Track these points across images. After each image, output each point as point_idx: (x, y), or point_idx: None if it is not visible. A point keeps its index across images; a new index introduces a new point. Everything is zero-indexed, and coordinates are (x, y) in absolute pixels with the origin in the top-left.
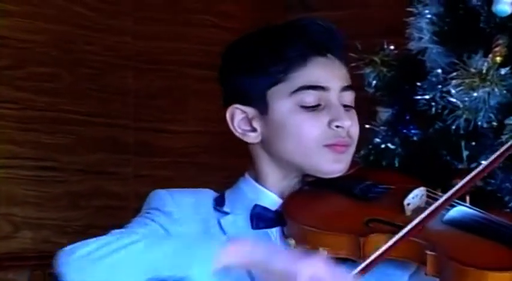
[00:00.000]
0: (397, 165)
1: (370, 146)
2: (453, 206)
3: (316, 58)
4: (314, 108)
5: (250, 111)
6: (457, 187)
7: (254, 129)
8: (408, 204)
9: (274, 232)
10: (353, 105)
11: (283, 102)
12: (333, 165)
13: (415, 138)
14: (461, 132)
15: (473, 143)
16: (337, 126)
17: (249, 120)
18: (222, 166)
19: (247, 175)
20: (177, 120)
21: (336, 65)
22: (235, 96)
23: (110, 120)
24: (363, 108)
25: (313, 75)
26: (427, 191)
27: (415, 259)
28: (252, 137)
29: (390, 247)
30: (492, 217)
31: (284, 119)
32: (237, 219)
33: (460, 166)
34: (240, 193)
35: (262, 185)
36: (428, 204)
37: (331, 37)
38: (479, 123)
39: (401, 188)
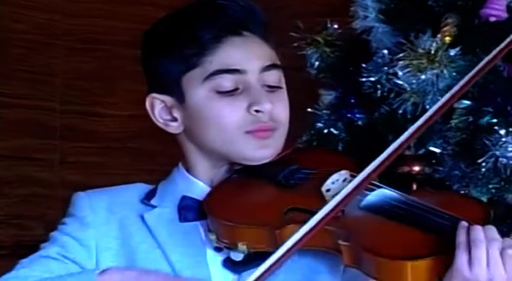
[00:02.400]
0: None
1: (312, 132)
2: (372, 189)
3: (231, 38)
4: (231, 93)
5: (168, 100)
6: (369, 168)
7: (175, 119)
8: (328, 190)
9: (206, 225)
10: (281, 85)
11: (198, 89)
12: (258, 152)
13: (359, 122)
14: (409, 116)
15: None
16: (257, 111)
17: (169, 110)
18: (157, 152)
19: (180, 165)
20: (108, 103)
21: (255, 44)
22: (154, 84)
23: (36, 103)
24: (305, 91)
25: (228, 58)
26: (351, 175)
27: (331, 250)
28: (174, 127)
29: (297, 241)
30: (414, 200)
31: (201, 107)
32: (164, 212)
33: (407, 152)
34: (173, 183)
35: (193, 175)
36: None
37: (248, 14)
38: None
39: (324, 173)
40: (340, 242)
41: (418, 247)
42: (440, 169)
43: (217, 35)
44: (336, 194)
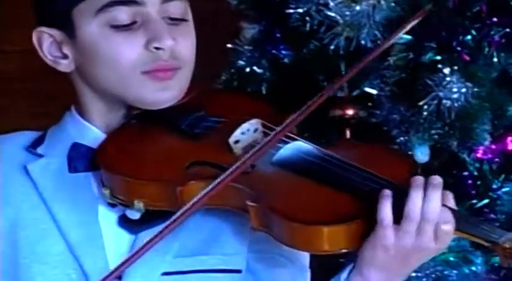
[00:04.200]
0: (264, 92)
1: (233, 70)
2: (287, 142)
3: None
4: (128, 27)
5: (57, 34)
6: (289, 119)
7: (65, 56)
8: (237, 141)
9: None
10: (186, 17)
11: (90, 23)
12: (158, 94)
13: (286, 60)
14: (341, 52)
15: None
16: (157, 48)
17: (59, 45)
18: (56, 93)
19: (73, 108)
20: (1, 39)
21: None
22: (41, 16)
23: None
24: (223, 24)
25: None
26: (264, 124)
27: (239, 210)
28: (64, 65)
29: (199, 199)
30: (332, 156)
31: (94, 43)
32: (51, 162)
33: (339, 94)
34: (63, 129)
35: (86, 120)
36: None
37: None
38: (363, 42)
39: (234, 121)
40: (248, 202)
41: (336, 210)
42: (377, 112)
43: None
44: (246, 146)
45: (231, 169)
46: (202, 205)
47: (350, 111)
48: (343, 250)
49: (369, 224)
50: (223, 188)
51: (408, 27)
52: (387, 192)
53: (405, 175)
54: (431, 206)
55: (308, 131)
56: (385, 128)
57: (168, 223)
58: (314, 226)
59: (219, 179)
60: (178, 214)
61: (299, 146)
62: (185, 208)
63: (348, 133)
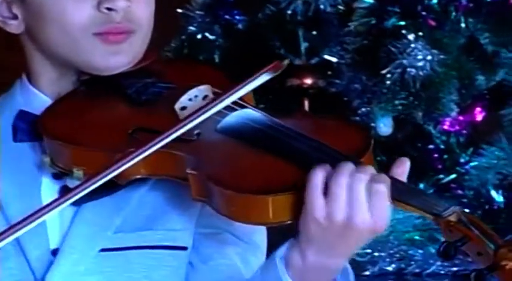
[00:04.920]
0: (217, 60)
1: (183, 37)
2: (234, 109)
3: None
4: None
5: None
6: (235, 86)
7: (15, 16)
8: (183, 108)
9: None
10: None
11: None
12: (109, 59)
13: (240, 26)
14: (299, 18)
15: (314, 33)
16: (109, 9)
17: (9, 5)
18: (8, 64)
19: (23, 76)
20: None
21: None
22: None
23: None
24: None
25: None
26: (214, 92)
27: (180, 179)
28: (14, 26)
29: (132, 163)
30: (280, 124)
31: (43, 3)
32: None
33: (297, 62)
34: (12, 97)
35: (36, 87)
36: None
37: None
38: (322, 6)
39: (183, 88)
40: (188, 170)
41: (280, 179)
42: (337, 81)
43: None
44: (191, 113)
45: (167, 134)
46: (143, 174)
47: (308, 81)
48: (288, 222)
49: None
50: (163, 155)
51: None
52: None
53: (357, 147)
54: (362, 167)
55: (264, 102)
56: (346, 99)
57: (98, 177)
58: (256, 195)
59: (151, 145)
60: (108, 173)
61: (247, 113)
62: (119, 170)
63: (306, 104)
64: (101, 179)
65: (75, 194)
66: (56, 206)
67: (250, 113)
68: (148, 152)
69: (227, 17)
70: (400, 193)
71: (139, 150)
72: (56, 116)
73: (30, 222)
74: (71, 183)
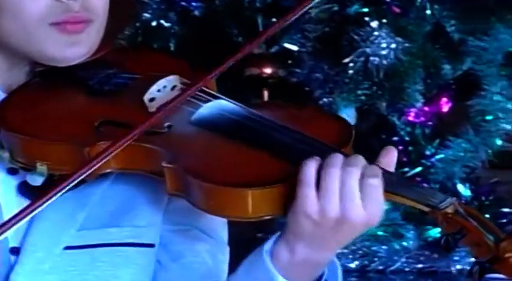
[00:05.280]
0: (173, 48)
1: (138, 24)
2: (207, 100)
3: None
4: None
5: None
6: (205, 75)
7: None
8: (152, 99)
9: None
10: None
11: None
12: (67, 50)
13: (196, 12)
14: (257, 5)
15: (274, 20)
16: None
17: None
18: None
19: None
20: None
21: None
22: None
23: None
24: None
25: None
26: (183, 82)
27: (155, 174)
28: None
29: (101, 159)
30: (257, 114)
31: None
32: None
33: (256, 51)
34: None
35: None
36: None
37: None
38: None
39: (149, 78)
40: (163, 164)
41: (261, 172)
42: (298, 70)
43: None
44: (162, 105)
45: (140, 128)
46: (114, 169)
47: (268, 70)
48: (267, 217)
49: (295, 188)
50: (135, 148)
51: None
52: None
53: (339, 138)
54: (352, 160)
55: (221, 92)
56: (307, 89)
57: (65, 183)
58: (236, 189)
59: (124, 139)
60: (78, 174)
61: (222, 104)
62: (87, 168)
63: (265, 94)
64: (79, 176)
65: (50, 198)
66: (32, 210)
67: (225, 104)
68: (123, 146)
69: (183, 3)
70: (392, 185)
71: (117, 144)
72: (12, 108)
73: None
74: (31, 179)
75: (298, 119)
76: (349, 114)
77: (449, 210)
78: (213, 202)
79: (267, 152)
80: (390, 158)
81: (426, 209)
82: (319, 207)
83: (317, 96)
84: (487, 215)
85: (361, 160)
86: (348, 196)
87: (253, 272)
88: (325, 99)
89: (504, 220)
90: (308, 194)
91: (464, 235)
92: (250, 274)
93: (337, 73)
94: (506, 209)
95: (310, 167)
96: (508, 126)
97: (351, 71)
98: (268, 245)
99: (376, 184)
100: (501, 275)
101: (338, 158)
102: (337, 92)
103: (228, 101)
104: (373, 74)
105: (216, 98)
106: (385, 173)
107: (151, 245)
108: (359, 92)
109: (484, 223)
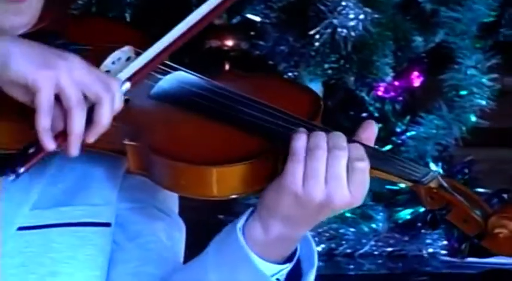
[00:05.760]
0: (128, 19)
1: None
2: (166, 72)
3: None
4: None
5: None
6: (161, 43)
7: None
8: (107, 72)
9: None
10: None
11: None
12: (7, 19)
13: None
14: None
15: None
16: None
17: None
18: None
19: None
20: None
21: None
22: None
23: None
24: None
25: None
26: (137, 52)
27: (115, 152)
28: None
29: None
30: (220, 86)
31: None
32: None
33: (216, 21)
34: None
35: None
36: None
37: None
38: None
39: (101, 49)
40: (125, 141)
41: (228, 148)
42: (261, 43)
43: None
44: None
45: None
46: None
47: (229, 42)
48: (234, 195)
49: (266, 166)
50: None
51: None
52: (302, 128)
53: (308, 109)
54: (337, 140)
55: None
56: (271, 62)
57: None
58: (202, 166)
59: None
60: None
61: (181, 76)
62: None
63: (227, 67)
64: None
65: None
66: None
67: (185, 76)
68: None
69: None
70: (374, 160)
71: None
72: None
73: None
74: None
75: (264, 90)
76: (315, 89)
77: (433, 184)
78: (179, 180)
79: (235, 127)
80: (370, 132)
81: (409, 183)
82: (305, 187)
83: (281, 70)
84: None
85: (344, 140)
86: (334, 180)
87: (225, 251)
88: (290, 74)
89: None
90: (296, 170)
91: (449, 210)
92: (222, 252)
93: (302, 45)
94: (480, 189)
95: (302, 142)
96: (483, 102)
97: (317, 44)
98: (240, 223)
99: (364, 167)
100: (482, 259)
101: (322, 137)
102: (302, 66)
103: (189, 72)
104: (341, 46)
105: (175, 69)
106: (368, 148)
107: (107, 224)
108: (326, 65)
109: (470, 198)
